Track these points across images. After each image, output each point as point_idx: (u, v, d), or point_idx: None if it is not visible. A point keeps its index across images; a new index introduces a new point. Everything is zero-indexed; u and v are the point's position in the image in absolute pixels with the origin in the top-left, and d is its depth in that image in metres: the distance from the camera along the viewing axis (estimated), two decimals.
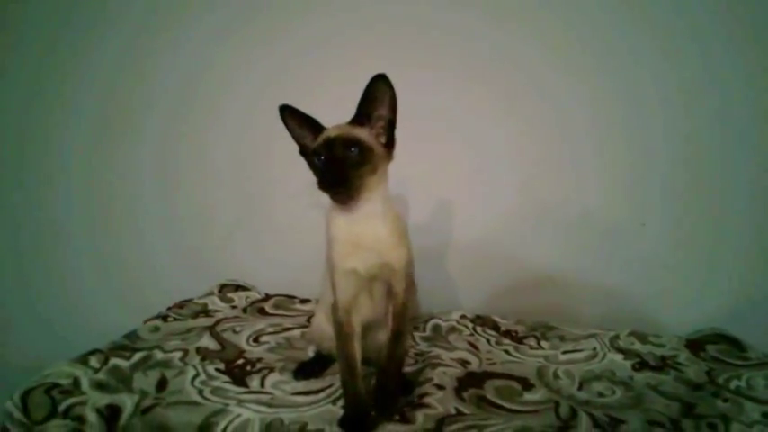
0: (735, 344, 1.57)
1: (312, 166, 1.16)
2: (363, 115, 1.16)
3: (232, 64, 1.91)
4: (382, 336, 1.25)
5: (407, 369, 1.33)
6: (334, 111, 1.76)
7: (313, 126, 1.19)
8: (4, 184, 2.12)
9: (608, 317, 1.76)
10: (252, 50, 1.89)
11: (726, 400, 1.26)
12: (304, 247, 1.71)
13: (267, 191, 1.93)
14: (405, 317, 1.22)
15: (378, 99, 1.14)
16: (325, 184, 1.11)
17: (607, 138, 1.74)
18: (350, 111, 1.66)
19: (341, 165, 1.11)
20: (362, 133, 1.15)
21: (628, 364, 1.44)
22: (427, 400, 1.18)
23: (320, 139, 1.15)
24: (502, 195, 1.81)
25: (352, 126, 1.16)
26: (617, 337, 1.60)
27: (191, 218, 2.02)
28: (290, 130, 1.19)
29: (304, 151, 1.19)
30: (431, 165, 1.76)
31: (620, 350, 1.52)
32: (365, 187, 1.13)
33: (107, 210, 2.08)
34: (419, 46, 1.78)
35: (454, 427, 1.08)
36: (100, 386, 1.17)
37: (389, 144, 1.18)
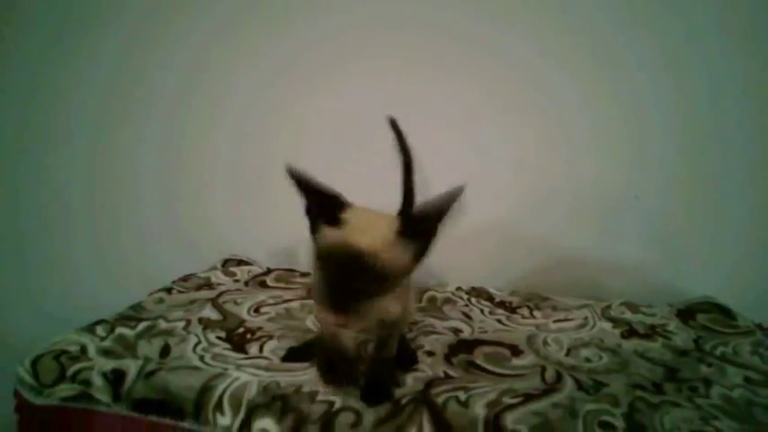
0: (725, 312, 1.60)
1: (316, 262, 0.99)
2: (414, 229, 0.93)
3: (234, 59, 1.93)
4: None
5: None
6: (335, 111, 1.83)
7: (325, 206, 0.96)
8: (4, 172, 2.17)
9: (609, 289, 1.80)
10: (254, 47, 1.91)
11: (710, 365, 1.30)
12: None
13: (266, 169, 1.97)
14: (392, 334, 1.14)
15: (443, 219, 0.92)
16: (335, 309, 0.96)
17: (604, 118, 1.77)
18: (350, 108, 1.69)
19: (356, 293, 0.94)
20: (393, 252, 0.92)
21: (617, 332, 1.48)
22: (417, 365, 1.23)
23: (336, 240, 0.93)
24: (499, 176, 1.83)
25: (386, 235, 0.92)
26: (609, 307, 1.64)
27: (191, 196, 2.07)
28: (299, 192, 0.96)
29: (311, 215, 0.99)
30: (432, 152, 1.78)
31: (610, 319, 1.56)
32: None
33: (107, 193, 2.12)
34: (418, 46, 1.80)
35: (441, 388, 1.12)
36: (106, 353, 1.22)
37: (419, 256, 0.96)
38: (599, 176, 1.80)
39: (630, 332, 1.47)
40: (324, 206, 0.96)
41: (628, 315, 1.60)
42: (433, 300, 1.67)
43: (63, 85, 2.05)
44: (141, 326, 1.35)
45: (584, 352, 1.35)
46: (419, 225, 0.93)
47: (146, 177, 2.08)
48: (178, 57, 1.96)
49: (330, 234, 0.93)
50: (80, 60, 2.02)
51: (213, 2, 1.91)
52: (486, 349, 1.34)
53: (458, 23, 1.77)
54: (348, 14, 1.83)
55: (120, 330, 1.32)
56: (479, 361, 1.27)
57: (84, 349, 1.22)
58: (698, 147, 1.73)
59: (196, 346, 1.28)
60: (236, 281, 1.76)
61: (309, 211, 0.98)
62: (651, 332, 1.48)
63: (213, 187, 2.04)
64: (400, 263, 0.93)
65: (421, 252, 0.95)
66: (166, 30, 1.96)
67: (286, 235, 1.93)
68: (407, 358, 1.26)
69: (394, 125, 1.25)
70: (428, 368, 1.22)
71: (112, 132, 2.07)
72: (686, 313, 1.61)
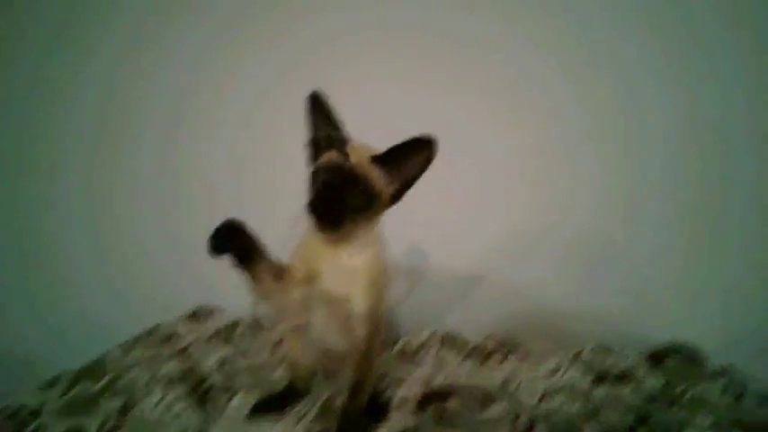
0: (693, 356, 1.61)
1: (311, 178, 1.06)
2: (390, 157, 1.06)
3: (231, 66, 1.90)
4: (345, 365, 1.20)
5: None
6: (339, 109, 1.82)
7: (333, 131, 1.09)
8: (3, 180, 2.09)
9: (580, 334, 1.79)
10: (252, 52, 1.88)
11: (680, 409, 1.30)
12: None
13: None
14: (364, 369, 1.16)
15: (414, 158, 1.05)
16: (314, 210, 1.02)
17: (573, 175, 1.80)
18: (350, 113, 1.69)
19: (341, 199, 1.03)
20: (377, 174, 1.06)
21: (588, 378, 1.48)
22: (389, 416, 1.20)
23: (331, 156, 1.06)
24: (476, 224, 1.85)
25: (371, 160, 1.06)
26: (580, 353, 1.64)
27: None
28: (308, 121, 1.09)
29: (315, 146, 1.09)
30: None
31: (581, 365, 1.56)
32: (354, 234, 1.07)
33: (108, 207, 2.04)
34: (420, 50, 1.80)
35: None
36: (64, 410, 1.17)
37: (395, 198, 1.09)
38: (570, 226, 1.81)
39: (601, 378, 1.47)
40: (334, 137, 1.08)
41: (599, 360, 1.59)
42: (405, 347, 1.65)
43: (61, 87, 2.00)
44: (101, 382, 1.30)
45: (557, 399, 1.34)
46: (389, 155, 1.06)
47: (145, 194, 2.04)
48: (176, 59, 1.94)
49: (328, 155, 1.06)
50: (77, 65, 1.97)
51: (211, 6, 1.88)
52: (459, 397, 1.32)
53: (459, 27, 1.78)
54: (345, 17, 1.82)
55: (78, 387, 1.27)
56: (453, 408, 1.25)
57: (41, 407, 1.16)
58: (661, 196, 1.77)
59: (158, 402, 1.23)
60: (203, 333, 1.72)
61: (316, 141, 1.09)
62: (622, 377, 1.48)
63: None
64: (377, 184, 1.05)
65: (392, 181, 1.07)
66: (164, 33, 1.93)
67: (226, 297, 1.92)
68: (379, 409, 1.23)
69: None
70: (401, 418, 1.19)
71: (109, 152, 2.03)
72: (655, 358, 1.62)
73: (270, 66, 1.87)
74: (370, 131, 1.73)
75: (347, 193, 1.03)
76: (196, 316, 1.82)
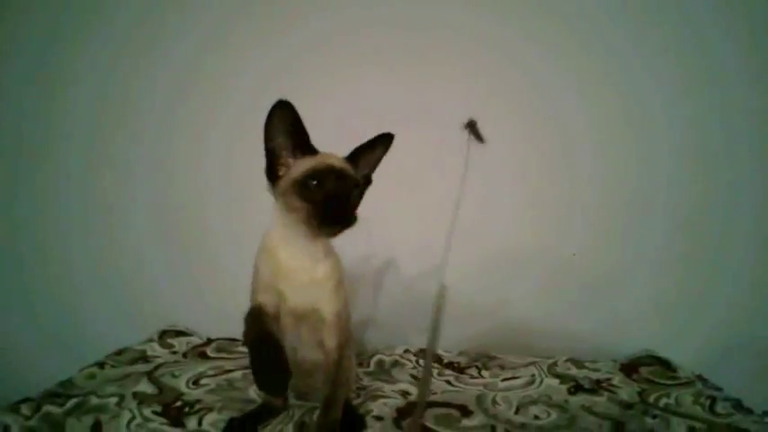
0: (666, 365, 1.64)
1: (304, 189, 1.07)
2: (358, 158, 1.17)
3: (225, 67, 1.90)
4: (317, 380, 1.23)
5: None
6: (333, 110, 1.81)
7: (302, 139, 1.11)
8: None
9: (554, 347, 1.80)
10: (245, 53, 1.88)
11: (655, 417, 1.31)
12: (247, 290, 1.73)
13: (207, 236, 1.93)
14: (337, 381, 1.17)
15: (377, 156, 1.19)
16: (335, 220, 1.06)
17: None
18: (348, 111, 1.73)
19: (350, 203, 1.11)
20: (353, 171, 1.15)
21: (564, 388, 1.48)
22: (365, 430, 1.19)
23: (323, 164, 1.09)
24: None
25: (348, 163, 1.15)
26: (555, 364, 1.65)
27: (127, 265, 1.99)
28: (272, 130, 1.09)
29: (271, 156, 1.11)
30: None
31: (556, 376, 1.57)
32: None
33: (103, 215, 2.00)
34: (414, 48, 1.82)
35: None
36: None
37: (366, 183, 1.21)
38: (538, 239, 1.84)
39: (577, 388, 1.48)
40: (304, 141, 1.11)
41: (573, 371, 1.61)
42: (380, 363, 1.64)
43: (56, 89, 1.97)
44: (70, 403, 1.27)
45: (533, 409, 1.35)
46: (357, 154, 1.17)
47: (139, 199, 1.99)
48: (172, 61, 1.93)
49: (308, 161, 1.10)
50: (73, 64, 1.95)
51: (204, 7, 1.88)
52: (436, 411, 1.31)
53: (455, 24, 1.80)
54: (341, 17, 1.83)
55: (46, 408, 1.23)
56: (429, 424, 1.24)
57: (6, 430, 1.12)
58: (626, 203, 1.81)
59: (130, 422, 1.20)
60: (174, 352, 1.69)
61: (279, 148, 1.11)
62: (597, 387, 1.49)
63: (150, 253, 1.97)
64: (359, 180, 1.13)
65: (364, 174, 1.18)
66: (159, 34, 1.92)
67: (228, 303, 1.88)
68: (355, 423, 1.22)
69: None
70: None
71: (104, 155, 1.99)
72: (629, 367, 1.64)
73: (264, 67, 1.86)
74: (369, 129, 1.76)
75: (351, 196, 1.11)
76: (165, 336, 1.78)
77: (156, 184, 1.95)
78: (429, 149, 1.75)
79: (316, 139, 1.80)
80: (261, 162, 1.81)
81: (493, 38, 1.78)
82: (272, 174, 1.12)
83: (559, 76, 1.78)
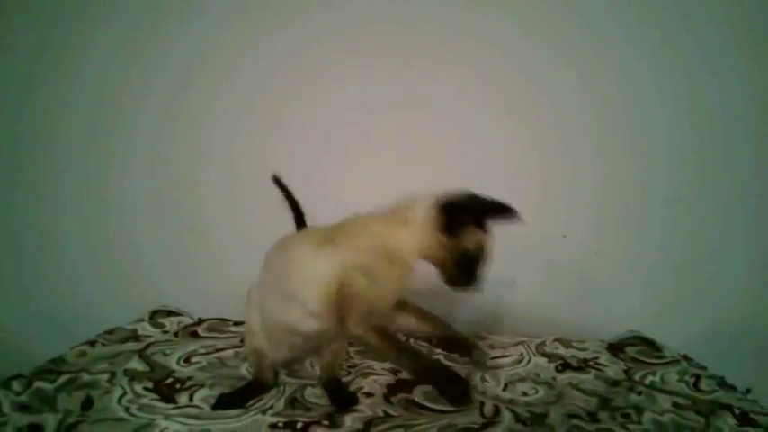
0: (651, 345, 1.66)
1: (470, 256, 1.13)
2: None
3: (224, 64, 1.88)
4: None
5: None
6: (332, 109, 1.83)
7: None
8: None
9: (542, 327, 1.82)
10: (245, 50, 1.86)
11: (640, 393, 1.34)
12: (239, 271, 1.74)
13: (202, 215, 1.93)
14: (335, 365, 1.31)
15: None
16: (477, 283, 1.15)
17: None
18: (347, 110, 1.79)
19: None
20: None
21: (551, 366, 1.51)
22: (357, 406, 1.21)
23: (486, 241, 1.15)
24: None
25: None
26: (543, 343, 1.67)
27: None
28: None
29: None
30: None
31: (544, 354, 1.59)
32: None
33: (99, 203, 1.98)
34: (418, 45, 1.81)
35: (381, 427, 1.11)
36: (22, 408, 1.14)
37: None
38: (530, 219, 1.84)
39: (564, 366, 1.50)
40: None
41: (561, 350, 1.63)
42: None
43: (54, 83, 1.94)
44: (61, 379, 1.27)
45: (521, 386, 1.37)
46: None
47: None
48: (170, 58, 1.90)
49: (470, 237, 1.12)
50: (71, 59, 1.91)
51: (204, 4, 1.86)
52: (426, 388, 1.32)
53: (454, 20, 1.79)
54: (341, 13, 1.81)
55: (37, 384, 1.23)
56: (419, 399, 1.26)
57: None
58: (620, 187, 1.82)
59: (121, 397, 1.21)
60: (165, 332, 1.69)
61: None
62: (584, 365, 1.51)
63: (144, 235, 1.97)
64: None
65: None
66: (157, 30, 1.89)
67: (219, 284, 1.89)
68: (347, 399, 1.23)
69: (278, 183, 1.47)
70: (367, 408, 1.20)
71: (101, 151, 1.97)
72: (616, 347, 1.66)
73: (263, 64, 1.85)
74: (367, 128, 1.74)
75: None
76: (156, 316, 1.78)
77: (150, 166, 1.94)
78: (429, 146, 1.80)
79: (316, 137, 1.85)
80: (252, 147, 1.83)
81: (491, 34, 1.77)
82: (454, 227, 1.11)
83: (560, 69, 1.78)
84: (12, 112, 1.94)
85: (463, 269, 1.13)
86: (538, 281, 1.86)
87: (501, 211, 1.08)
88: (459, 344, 1.35)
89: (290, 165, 1.74)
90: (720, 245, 1.83)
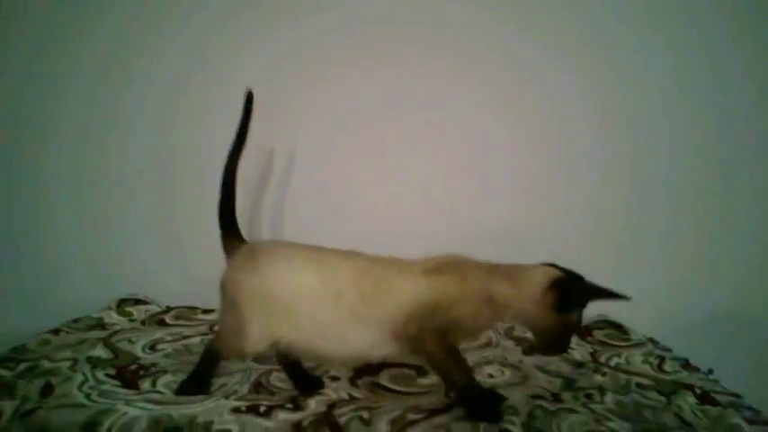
0: (619, 328, 1.68)
1: (566, 333, 1.14)
2: None
3: (224, 60, 1.86)
4: None
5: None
6: (332, 108, 1.82)
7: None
8: None
9: None
10: (245, 46, 1.84)
11: (604, 375, 1.35)
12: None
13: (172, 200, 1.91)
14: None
15: None
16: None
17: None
18: (348, 110, 1.79)
19: None
20: None
21: (519, 349, 1.52)
22: (322, 390, 1.20)
23: (580, 317, 1.14)
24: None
25: None
26: (512, 328, 1.68)
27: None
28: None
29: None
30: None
31: (512, 338, 1.60)
32: None
33: (97, 198, 1.94)
34: (418, 45, 1.81)
35: (345, 409, 1.10)
36: None
37: None
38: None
39: (532, 349, 1.51)
40: None
41: (530, 334, 1.63)
42: None
43: (51, 79, 1.90)
44: (21, 367, 1.25)
45: (488, 369, 1.37)
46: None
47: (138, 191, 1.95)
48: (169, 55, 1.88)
49: (576, 315, 1.13)
50: (68, 54, 1.88)
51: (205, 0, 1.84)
52: (393, 371, 1.33)
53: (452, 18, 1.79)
54: (342, 13, 1.81)
55: None
56: (384, 382, 1.26)
57: None
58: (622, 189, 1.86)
59: (82, 384, 1.19)
60: (132, 320, 1.67)
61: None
62: None
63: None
64: None
65: None
66: (157, 25, 1.87)
67: (187, 272, 1.88)
68: (313, 382, 1.23)
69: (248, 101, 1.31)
70: (332, 392, 1.19)
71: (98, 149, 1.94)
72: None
73: (263, 61, 1.83)
74: (368, 127, 1.72)
75: None
76: (123, 305, 1.76)
77: (150, 162, 1.93)
78: (429, 146, 1.82)
79: (316, 136, 1.84)
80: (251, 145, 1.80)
81: (493, 36, 1.79)
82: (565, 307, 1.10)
83: (562, 71, 1.81)
84: (9, 106, 1.91)
85: (562, 340, 1.14)
86: None
87: (610, 297, 1.09)
88: None
89: (290, 165, 1.75)
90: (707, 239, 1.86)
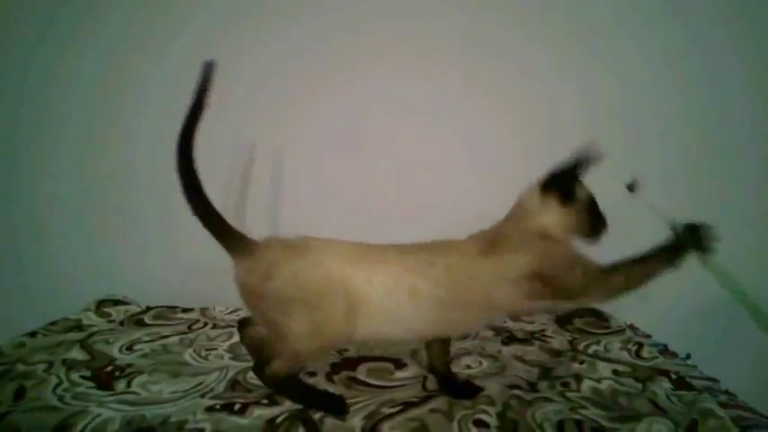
0: (599, 316, 1.69)
1: (590, 210, 1.20)
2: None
3: (225, 63, 1.80)
4: None
5: None
6: (333, 107, 1.83)
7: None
8: None
9: None
10: (245, 49, 1.84)
11: (582, 363, 1.36)
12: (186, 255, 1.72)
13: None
14: None
15: None
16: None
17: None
18: (349, 109, 1.81)
19: None
20: None
21: (498, 339, 1.52)
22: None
23: (586, 189, 1.21)
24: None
25: None
26: None
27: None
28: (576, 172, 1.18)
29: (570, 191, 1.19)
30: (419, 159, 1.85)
31: (492, 329, 1.60)
32: None
33: (100, 201, 1.94)
34: (419, 45, 1.82)
35: None
36: None
37: None
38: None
39: (511, 338, 1.52)
40: None
41: (509, 323, 1.65)
42: None
43: (51, 80, 1.90)
44: None
45: (466, 360, 1.38)
46: None
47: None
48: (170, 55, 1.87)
49: (581, 192, 1.21)
50: (68, 58, 1.88)
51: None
52: (371, 365, 1.33)
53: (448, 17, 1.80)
54: (343, 13, 1.81)
55: None
56: (362, 376, 1.26)
57: None
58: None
59: (56, 387, 1.18)
60: (111, 321, 1.66)
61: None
62: (530, 338, 1.53)
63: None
64: None
65: None
66: (157, 26, 1.86)
67: (167, 270, 1.87)
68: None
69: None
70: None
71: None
72: (564, 320, 1.68)
73: (265, 62, 1.84)
74: (369, 127, 1.77)
75: None
76: (102, 306, 1.75)
77: (151, 161, 1.89)
78: (430, 146, 1.83)
79: (317, 134, 1.83)
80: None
81: (493, 38, 1.80)
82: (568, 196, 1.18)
83: (559, 72, 1.82)
84: (9, 105, 1.91)
85: (594, 217, 1.20)
86: None
87: (586, 161, 1.16)
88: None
89: (291, 164, 1.73)
90: None
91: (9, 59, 1.88)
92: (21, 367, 1.27)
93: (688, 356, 1.44)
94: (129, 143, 1.89)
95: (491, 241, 1.15)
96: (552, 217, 1.17)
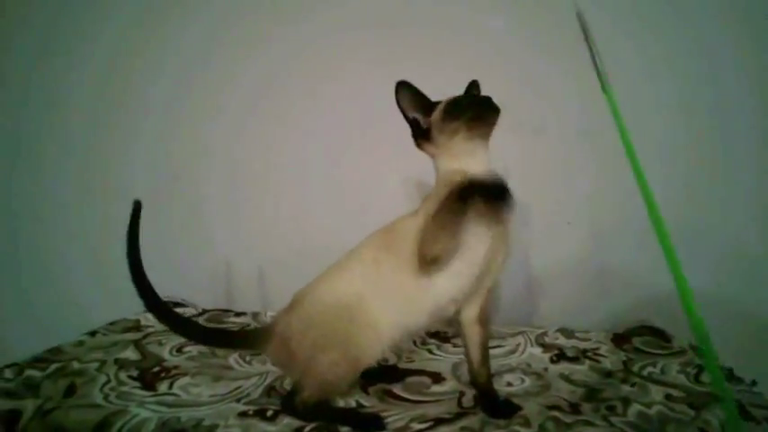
0: (661, 335, 1.59)
1: (455, 107, 1.16)
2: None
3: (226, 65, 1.91)
4: None
5: None
6: (335, 107, 1.85)
7: (428, 102, 1.21)
8: None
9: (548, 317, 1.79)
10: (247, 50, 1.89)
11: (633, 385, 1.27)
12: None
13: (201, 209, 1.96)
14: None
15: None
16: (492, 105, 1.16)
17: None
18: (351, 106, 1.81)
19: None
20: None
21: (546, 356, 1.46)
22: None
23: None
24: None
25: None
26: (545, 333, 1.63)
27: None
28: (405, 105, 1.20)
29: (419, 129, 1.19)
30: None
31: (542, 345, 1.54)
32: None
33: (101, 206, 2.02)
34: (420, 45, 1.81)
35: None
36: (7, 394, 1.17)
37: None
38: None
39: (560, 356, 1.45)
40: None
41: (561, 340, 1.58)
42: None
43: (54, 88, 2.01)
44: (52, 367, 1.31)
45: (508, 377, 1.33)
46: None
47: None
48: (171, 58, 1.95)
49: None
50: (70, 63, 1.98)
51: (207, 2, 1.90)
52: (408, 378, 1.31)
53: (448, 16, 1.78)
54: (344, 12, 1.82)
55: (28, 372, 1.28)
56: (397, 390, 1.24)
57: None
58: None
59: (104, 385, 1.24)
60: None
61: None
62: (581, 356, 1.46)
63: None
64: None
65: None
66: (159, 30, 1.93)
67: (223, 275, 1.92)
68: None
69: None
70: (341, 399, 1.18)
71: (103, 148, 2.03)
72: (621, 338, 1.59)
73: (266, 62, 1.87)
74: (370, 127, 1.76)
75: None
76: None
77: (152, 162, 1.98)
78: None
79: (318, 134, 1.85)
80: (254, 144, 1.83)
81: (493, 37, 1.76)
82: (421, 133, 1.19)
83: (558, 72, 1.75)
84: (12, 107, 2.01)
85: (471, 106, 1.16)
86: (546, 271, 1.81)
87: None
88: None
89: (291, 163, 1.76)
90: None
91: (11, 64, 1.99)
92: (75, 365, 1.33)
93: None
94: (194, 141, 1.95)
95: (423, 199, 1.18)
96: (450, 129, 1.15)
